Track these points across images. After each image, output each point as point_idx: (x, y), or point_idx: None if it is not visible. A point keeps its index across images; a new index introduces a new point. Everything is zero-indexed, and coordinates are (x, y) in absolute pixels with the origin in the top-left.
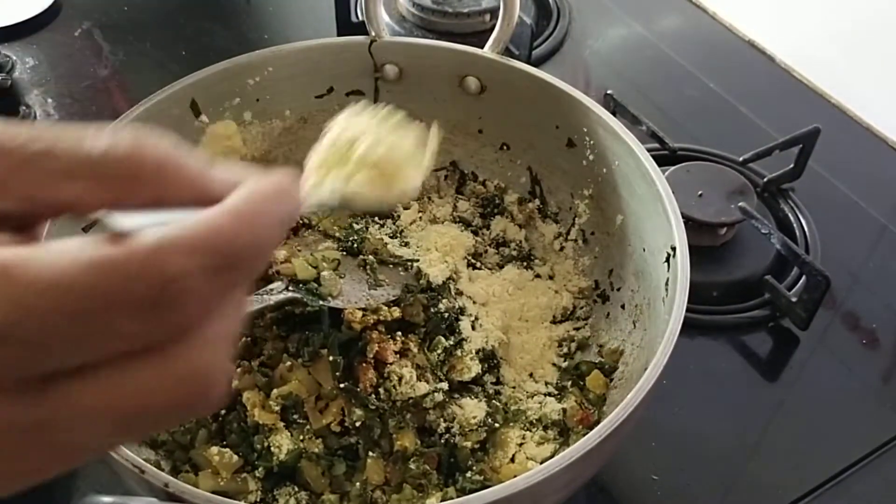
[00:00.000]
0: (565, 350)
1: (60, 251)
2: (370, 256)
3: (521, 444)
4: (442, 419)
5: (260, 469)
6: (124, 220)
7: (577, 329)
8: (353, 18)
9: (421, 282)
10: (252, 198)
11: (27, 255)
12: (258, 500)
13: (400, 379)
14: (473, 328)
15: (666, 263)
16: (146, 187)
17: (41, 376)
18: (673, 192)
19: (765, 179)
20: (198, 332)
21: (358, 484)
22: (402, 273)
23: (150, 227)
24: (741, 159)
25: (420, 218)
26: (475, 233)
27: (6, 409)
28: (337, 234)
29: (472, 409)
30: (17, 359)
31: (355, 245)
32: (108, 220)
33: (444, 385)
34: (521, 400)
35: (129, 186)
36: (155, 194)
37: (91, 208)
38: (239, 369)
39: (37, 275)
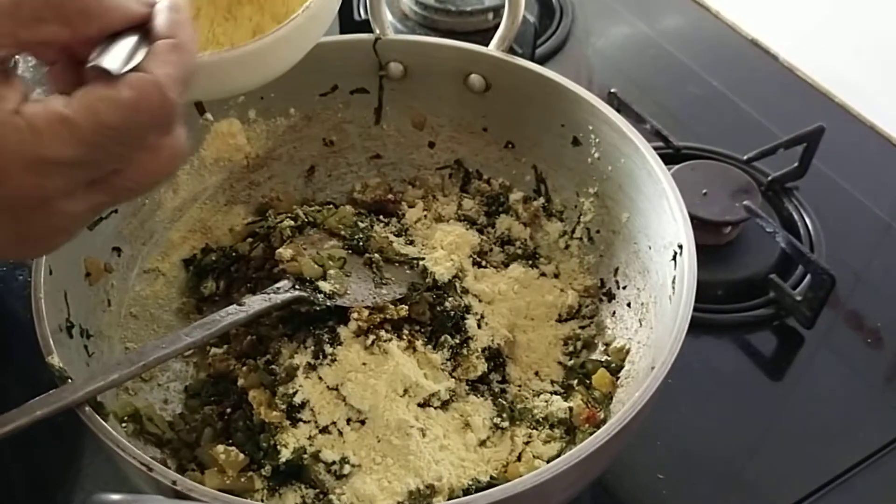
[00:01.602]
0: (571, 348)
1: (99, 98)
2: (376, 255)
3: (527, 443)
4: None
5: (266, 467)
6: (106, 61)
7: (582, 327)
8: (356, 17)
9: (427, 280)
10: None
11: (80, 105)
12: (264, 498)
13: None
14: (479, 326)
15: (672, 261)
16: (93, 19)
17: (94, 180)
18: None
19: (769, 178)
20: (178, 123)
21: None
22: (407, 271)
23: (121, 60)
24: (745, 158)
25: (425, 216)
26: (480, 231)
27: (75, 205)
28: (342, 233)
29: None
30: (85, 172)
31: (361, 243)
32: (95, 62)
33: (451, 383)
34: (527, 398)
35: (82, 21)
36: (101, 24)
37: (58, 45)
38: (245, 368)
39: (94, 120)
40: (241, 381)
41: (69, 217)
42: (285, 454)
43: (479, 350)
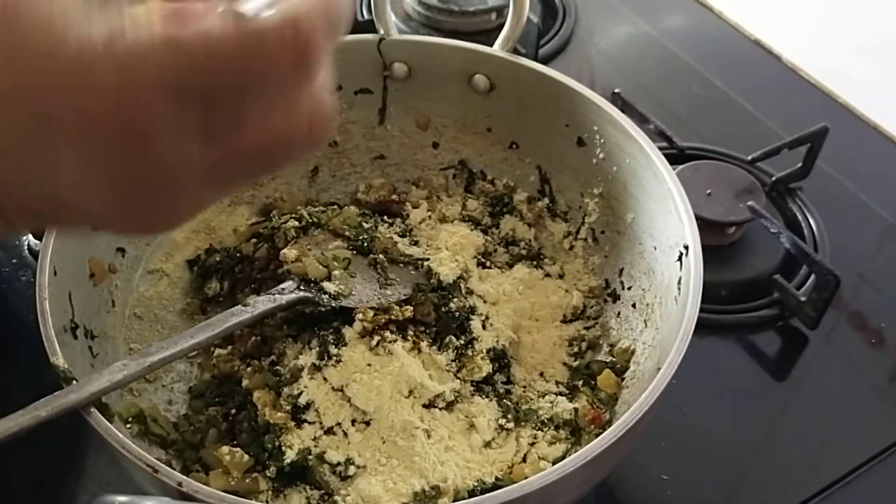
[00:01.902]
0: (576, 349)
1: (216, 21)
2: (380, 255)
3: (532, 444)
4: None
5: (271, 468)
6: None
7: (587, 328)
8: (358, 17)
9: (431, 281)
10: None
11: (192, 29)
12: (269, 499)
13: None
14: (484, 327)
15: (678, 262)
16: None
17: (212, 129)
18: None
19: (773, 178)
20: (317, 78)
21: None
22: (412, 272)
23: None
24: (749, 158)
25: (429, 217)
26: (485, 232)
27: (184, 152)
28: (347, 234)
29: None
30: (199, 114)
31: (365, 244)
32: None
33: (456, 384)
34: (531, 399)
35: None
36: None
37: None
38: (249, 368)
39: (206, 43)
40: (245, 382)
41: (178, 169)
42: (290, 455)
43: (484, 351)
